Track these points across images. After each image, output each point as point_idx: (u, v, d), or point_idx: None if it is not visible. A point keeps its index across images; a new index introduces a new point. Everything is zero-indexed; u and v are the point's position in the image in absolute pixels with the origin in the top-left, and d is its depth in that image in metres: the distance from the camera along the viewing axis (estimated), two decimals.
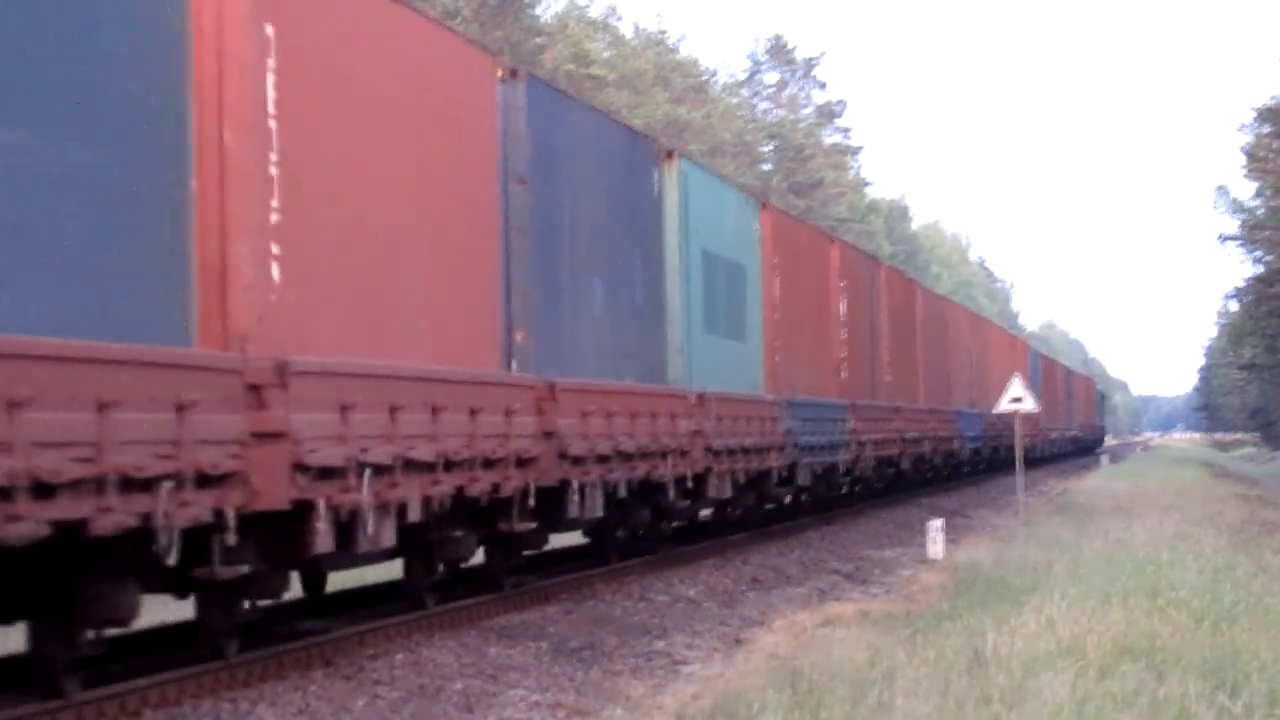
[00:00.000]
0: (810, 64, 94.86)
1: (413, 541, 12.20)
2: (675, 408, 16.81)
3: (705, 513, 21.68)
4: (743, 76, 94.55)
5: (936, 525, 22.16)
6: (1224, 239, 66.35)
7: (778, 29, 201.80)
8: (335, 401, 10.28)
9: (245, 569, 9.74)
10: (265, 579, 10.37)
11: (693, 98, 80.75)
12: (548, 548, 16.34)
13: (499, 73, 13.51)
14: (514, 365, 13.45)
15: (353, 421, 10.41)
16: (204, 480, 8.98)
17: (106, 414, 8.17)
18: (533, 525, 13.77)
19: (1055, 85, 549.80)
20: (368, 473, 10.58)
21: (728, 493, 19.01)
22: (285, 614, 12.72)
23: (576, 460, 14.05)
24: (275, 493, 9.65)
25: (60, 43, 8.33)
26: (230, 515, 9.25)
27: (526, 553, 15.25)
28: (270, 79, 10.04)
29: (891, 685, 9.85)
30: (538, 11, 66.12)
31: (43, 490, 7.77)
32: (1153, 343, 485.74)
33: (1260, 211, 64.63)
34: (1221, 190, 67.45)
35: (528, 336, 13.60)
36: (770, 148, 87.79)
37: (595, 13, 76.79)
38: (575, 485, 14.11)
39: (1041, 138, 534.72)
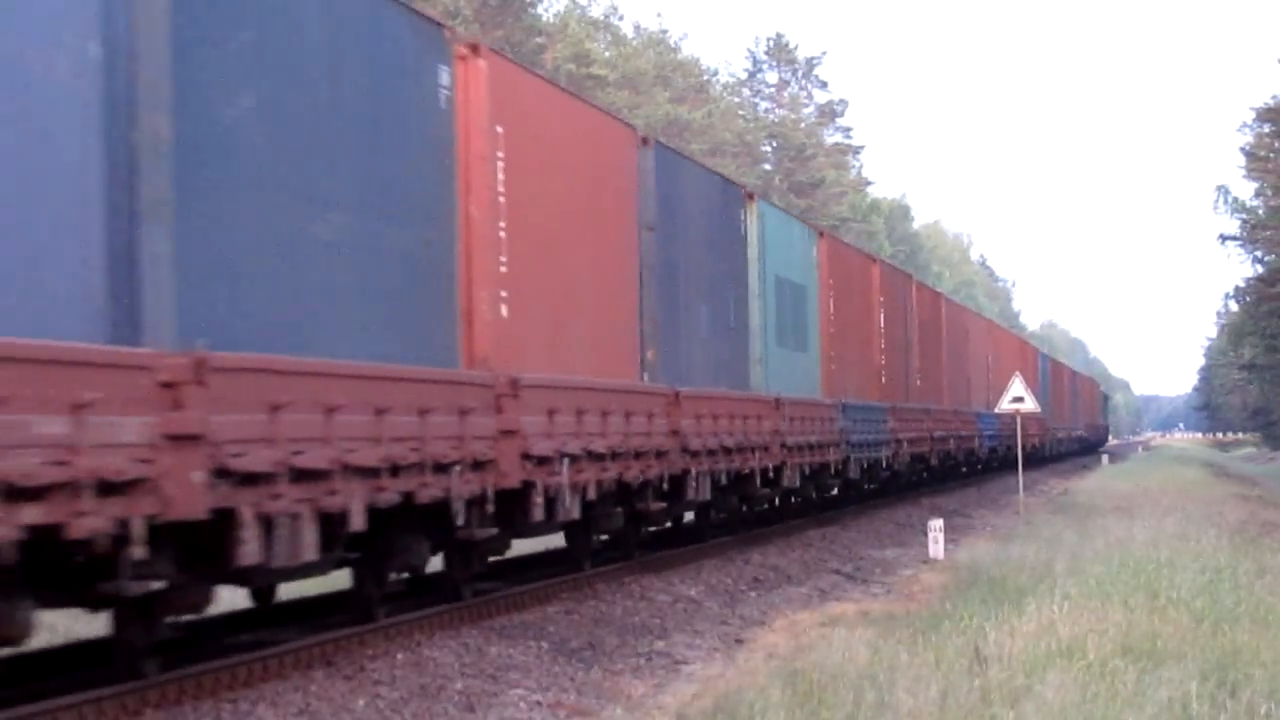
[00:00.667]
0: (811, 63, 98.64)
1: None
2: (760, 410, 21.00)
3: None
4: (743, 76, 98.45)
5: (937, 525, 22.95)
6: (1224, 239, 67.72)
7: (779, 28, 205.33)
8: (546, 407, 14.29)
9: (494, 531, 13.74)
10: (499, 541, 14.42)
11: (693, 97, 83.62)
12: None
13: (637, 141, 17.57)
14: (646, 377, 17.47)
15: (557, 422, 14.43)
16: (476, 465, 12.99)
17: (426, 417, 12.17)
18: (664, 505, 17.87)
19: (1056, 85, 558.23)
20: (565, 461, 14.60)
21: (797, 483, 23.21)
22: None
23: (694, 454, 18.17)
24: (513, 475, 13.67)
25: (394, 159, 12.38)
26: (490, 491, 13.26)
27: (651, 529, 19.31)
28: (500, 165, 14.03)
29: (892, 685, 10.11)
30: (538, 11, 68.76)
31: (394, 471, 11.76)
32: (1154, 342, 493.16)
33: (1260, 211, 66.38)
34: (1222, 190, 68.07)
35: (656, 353, 17.65)
36: (771, 147, 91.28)
37: (596, 12, 79.51)
38: (693, 474, 18.22)
39: (1042, 137, 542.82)
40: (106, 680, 10.20)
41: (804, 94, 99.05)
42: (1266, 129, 66.65)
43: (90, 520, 8.61)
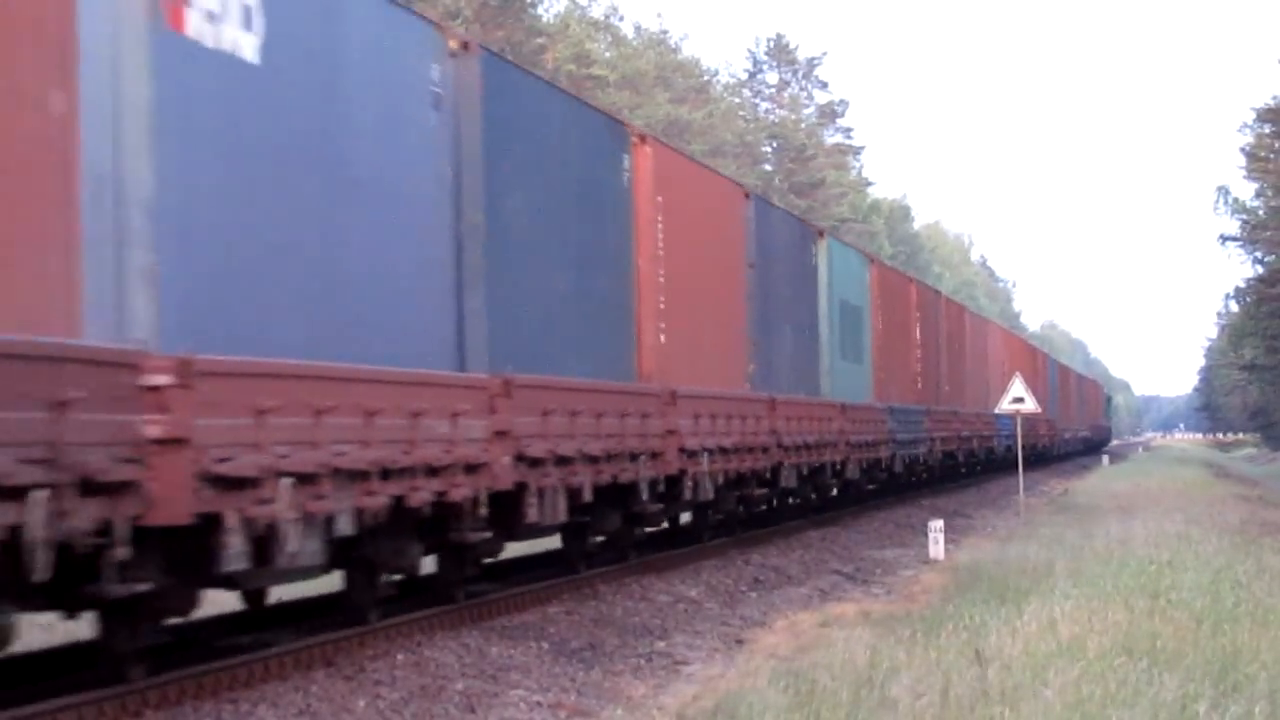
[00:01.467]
0: (812, 64, 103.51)
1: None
2: (830, 414, 26.51)
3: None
4: (744, 76, 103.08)
5: (937, 526, 24.09)
6: (1224, 239, 71.22)
7: (779, 29, 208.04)
8: (693, 412, 19.56)
9: (660, 507, 19.00)
10: (661, 515, 19.71)
11: (694, 98, 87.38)
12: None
13: (743, 195, 22.97)
14: (748, 387, 22.77)
15: (700, 423, 19.71)
16: (653, 456, 18.25)
17: (624, 420, 17.42)
18: (764, 491, 23.17)
19: (1056, 85, 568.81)
20: (707, 455, 19.85)
21: (857, 475, 28.70)
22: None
23: (786, 449, 23.49)
24: (674, 464, 19.00)
25: (597, 228, 17.67)
26: (661, 476, 18.50)
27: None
28: (660, 226, 19.30)
29: (892, 686, 10.43)
30: (539, 12, 72.18)
31: (607, 458, 16.95)
32: (1154, 343, 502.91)
33: (1261, 212, 69.91)
34: (1222, 191, 71.07)
35: (756, 367, 22.94)
36: (771, 148, 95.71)
37: (596, 13, 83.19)
38: (785, 465, 23.54)
39: (1043, 138, 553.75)
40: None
41: (804, 94, 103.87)
42: (1267, 129, 70.30)
43: (461, 490, 13.79)
